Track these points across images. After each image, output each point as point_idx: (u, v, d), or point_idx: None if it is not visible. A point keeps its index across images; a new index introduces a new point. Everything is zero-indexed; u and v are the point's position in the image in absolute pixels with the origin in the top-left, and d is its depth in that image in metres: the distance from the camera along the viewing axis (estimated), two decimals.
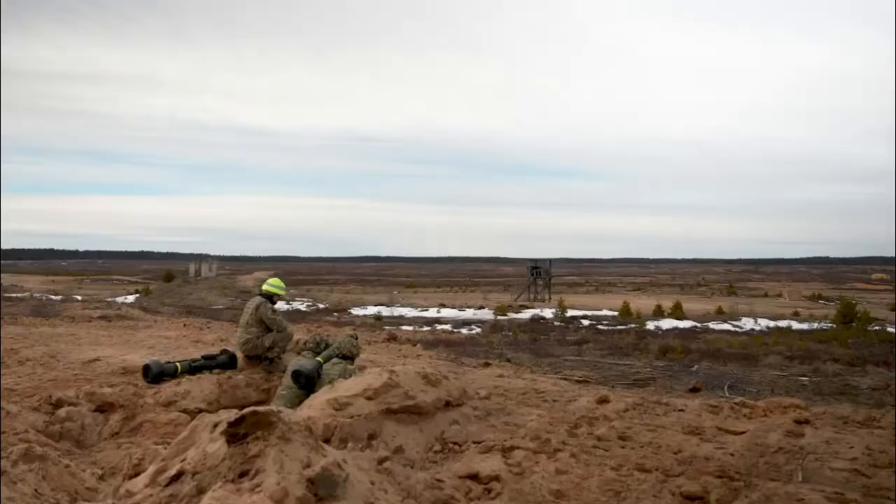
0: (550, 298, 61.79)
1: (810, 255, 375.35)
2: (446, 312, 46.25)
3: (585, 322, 39.06)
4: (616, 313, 45.29)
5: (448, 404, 6.98)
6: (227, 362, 9.71)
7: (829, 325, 37.16)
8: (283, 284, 10.46)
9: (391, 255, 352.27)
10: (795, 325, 39.29)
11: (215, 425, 4.11)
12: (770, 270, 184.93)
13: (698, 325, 38.53)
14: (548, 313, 45.47)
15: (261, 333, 9.82)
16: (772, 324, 40.34)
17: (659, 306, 48.63)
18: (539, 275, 69.67)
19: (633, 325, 36.61)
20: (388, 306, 51.26)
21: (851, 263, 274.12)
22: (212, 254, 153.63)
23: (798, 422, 6.69)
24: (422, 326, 33.91)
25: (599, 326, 36.52)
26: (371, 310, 46.54)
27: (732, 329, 36.98)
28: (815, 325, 38.37)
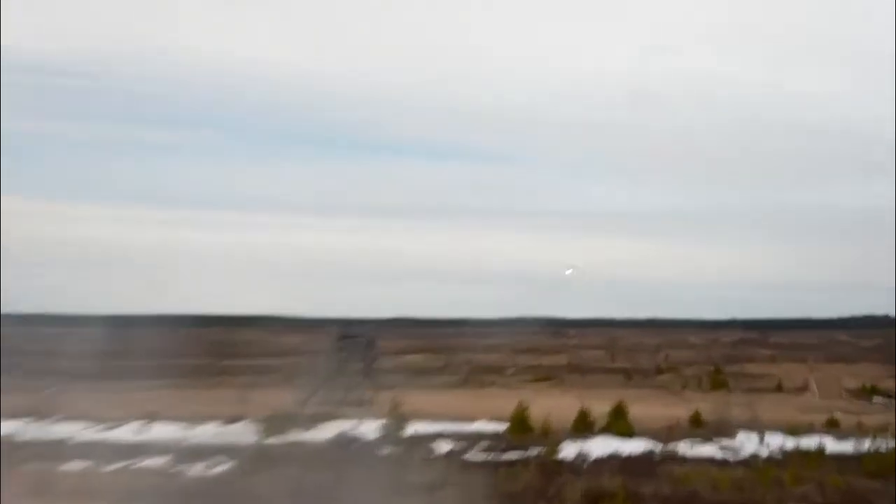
0: (376, 398, 47.41)
1: (857, 311, 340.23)
2: (161, 432, 35.22)
3: (443, 446, 30.83)
4: (504, 427, 35.54)
5: None
6: None
7: (892, 444, 29.20)
8: None
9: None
10: (832, 446, 31.26)
11: None
12: (786, 340, 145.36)
13: (658, 447, 30.28)
14: (369, 429, 35.68)
15: None
16: (791, 443, 31.90)
17: (585, 413, 37.37)
18: (355, 352, 53.41)
19: (536, 451, 28.98)
20: (31, 419, 37.97)
21: None
22: None
23: None
24: (109, 462, 25.03)
25: (470, 456, 28.95)
26: None
27: (720, 455, 28.97)
28: (867, 445, 30.04)
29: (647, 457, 28.34)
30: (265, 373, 72.74)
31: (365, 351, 54.96)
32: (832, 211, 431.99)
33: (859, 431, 34.16)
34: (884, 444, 29.70)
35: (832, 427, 37.11)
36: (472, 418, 40.33)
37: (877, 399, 55.20)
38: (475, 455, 29.15)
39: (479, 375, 76.80)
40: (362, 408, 46.42)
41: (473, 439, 33.00)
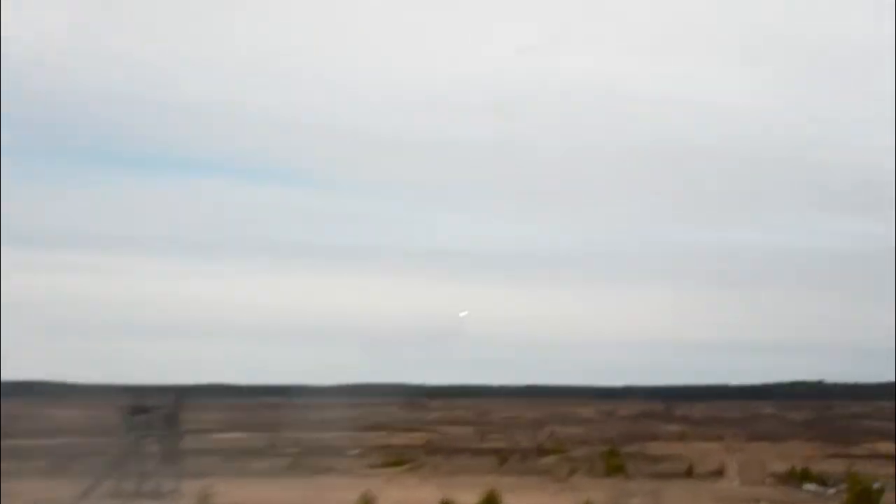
0: (181, 489, 48.85)
1: (785, 377, 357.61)
2: None
3: None
4: None
5: None
6: None
7: None
8: None
9: None
10: None
11: None
12: (698, 413, 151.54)
13: None
14: None
15: None
16: None
17: None
18: (152, 428, 53.55)
19: None
20: None
21: (870, 394, 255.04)
22: None
23: None
24: None
25: None
26: None
27: None
28: None
29: None
30: (30, 457, 70.79)
31: (165, 427, 54.18)
32: (756, 254, 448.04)
33: None
34: None
35: None
36: None
37: (808, 486, 56.77)
38: None
39: (312, 458, 74.49)
40: (162, 502, 47.49)
41: None
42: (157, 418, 55.11)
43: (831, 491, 53.25)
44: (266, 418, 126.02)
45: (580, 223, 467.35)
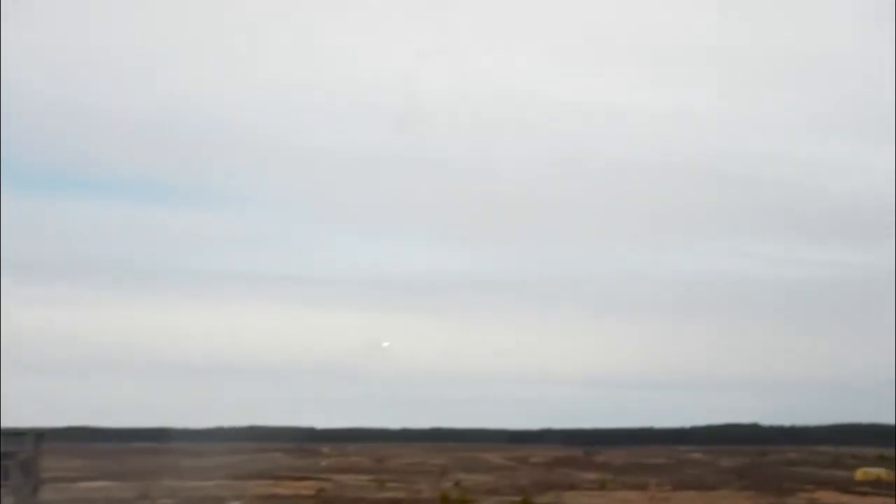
0: None
1: (715, 420, 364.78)
2: None
3: None
4: None
5: None
6: None
7: None
8: None
9: None
10: None
11: None
12: (620, 459, 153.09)
13: None
14: None
15: None
16: None
17: None
18: (7, 476, 50.70)
19: None
20: None
21: (808, 438, 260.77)
22: None
23: None
24: None
25: None
26: None
27: None
28: None
29: None
30: None
31: (21, 476, 52.93)
32: (687, 282, 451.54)
33: None
34: None
35: None
36: None
37: None
38: None
39: None
40: None
41: None
42: (13, 466, 53.22)
43: None
44: (138, 465, 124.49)
45: (494, 247, 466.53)
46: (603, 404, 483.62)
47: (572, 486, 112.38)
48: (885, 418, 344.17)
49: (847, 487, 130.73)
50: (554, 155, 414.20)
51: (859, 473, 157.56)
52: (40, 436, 57.59)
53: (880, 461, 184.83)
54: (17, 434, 57.48)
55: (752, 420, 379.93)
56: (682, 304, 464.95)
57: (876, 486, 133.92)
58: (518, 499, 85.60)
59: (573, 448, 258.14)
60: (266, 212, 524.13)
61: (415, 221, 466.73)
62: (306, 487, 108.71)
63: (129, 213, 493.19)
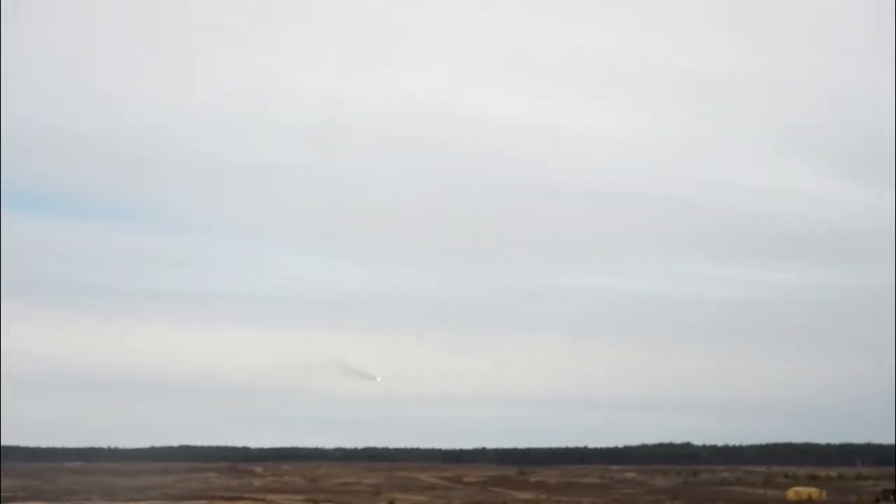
0: None
1: (648, 439, 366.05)
2: None
3: None
4: None
5: None
6: None
7: None
8: None
9: None
10: None
11: None
12: (554, 478, 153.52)
13: None
14: None
15: None
16: None
17: None
18: None
19: None
20: None
21: (740, 458, 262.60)
22: None
23: None
24: None
25: None
26: None
27: None
28: None
29: None
30: None
31: None
32: (618, 301, 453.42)
33: None
34: None
35: None
36: None
37: None
38: None
39: None
40: None
41: None
42: None
43: None
44: (70, 485, 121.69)
45: (424, 266, 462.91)
46: (537, 424, 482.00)
47: None
48: (817, 438, 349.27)
49: None
50: (479, 173, 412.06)
51: (791, 493, 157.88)
52: None
53: (812, 480, 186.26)
54: None
55: (684, 440, 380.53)
56: (616, 326, 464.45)
57: None
58: None
59: (507, 467, 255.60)
60: (199, 231, 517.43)
61: (340, 239, 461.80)
62: None
63: (50, 230, 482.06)
